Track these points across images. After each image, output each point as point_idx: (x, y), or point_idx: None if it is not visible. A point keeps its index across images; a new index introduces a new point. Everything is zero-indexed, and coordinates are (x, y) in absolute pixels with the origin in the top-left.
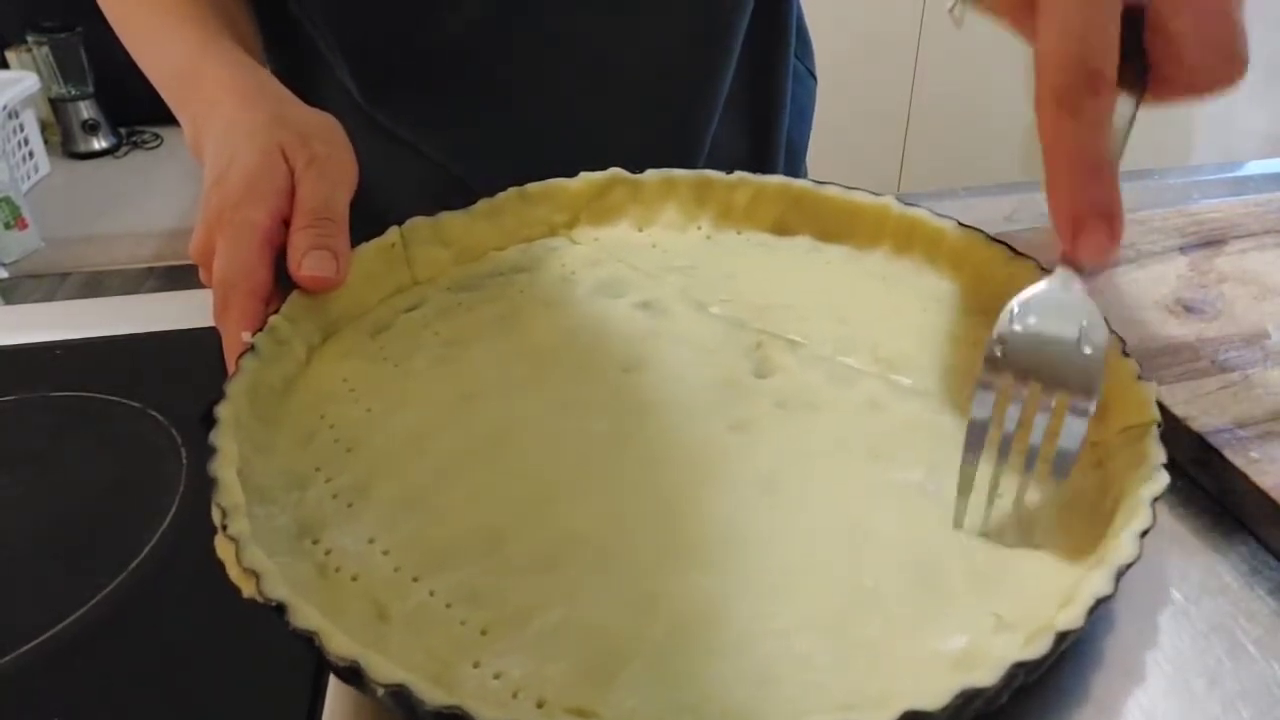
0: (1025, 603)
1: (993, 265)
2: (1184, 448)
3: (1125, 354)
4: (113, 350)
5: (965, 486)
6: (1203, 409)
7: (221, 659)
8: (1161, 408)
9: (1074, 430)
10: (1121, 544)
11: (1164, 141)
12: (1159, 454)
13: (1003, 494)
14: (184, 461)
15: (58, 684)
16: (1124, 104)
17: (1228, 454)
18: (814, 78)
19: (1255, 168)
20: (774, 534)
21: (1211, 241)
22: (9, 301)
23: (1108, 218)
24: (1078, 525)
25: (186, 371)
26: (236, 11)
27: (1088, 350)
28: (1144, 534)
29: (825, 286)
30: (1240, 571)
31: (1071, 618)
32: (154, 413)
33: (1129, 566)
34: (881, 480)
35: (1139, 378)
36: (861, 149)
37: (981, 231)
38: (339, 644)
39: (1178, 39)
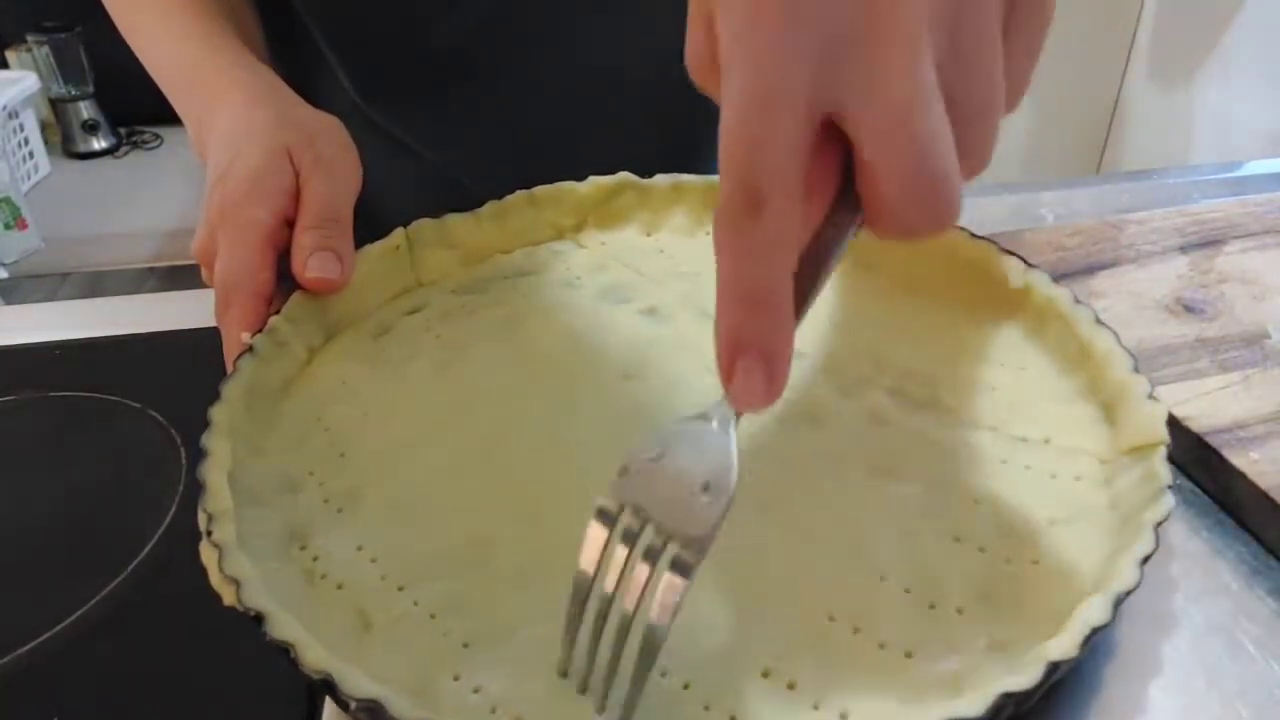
0: (1022, 624)
1: (1006, 276)
2: (1184, 448)
3: (1137, 371)
4: (113, 350)
5: (570, 631)
6: (1203, 409)
7: (222, 659)
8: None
9: (669, 591)
10: (1121, 570)
11: (1164, 141)
12: (1165, 476)
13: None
14: (184, 462)
15: (58, 684)
16: (837, 225)
17: (1228, 454)
18: None
19: (1255, 168)
20: (768, 550)
21: (1211, 241)
22: (9, 301)
23: (765, 359)
24: (1083, 542)
25: (186, 371)
26: (241, 10)
27: (705, 499)
28: (1145, 560)
29: (833, 296)
30: (1240, 571)
31: (1065, 647)
32: (154, 413)
33: (1128, 593)
34: (881, 496)
35: (1150, 397)
36: None
37: (994, 243)
38: (314, 656)
39: (871, 173)
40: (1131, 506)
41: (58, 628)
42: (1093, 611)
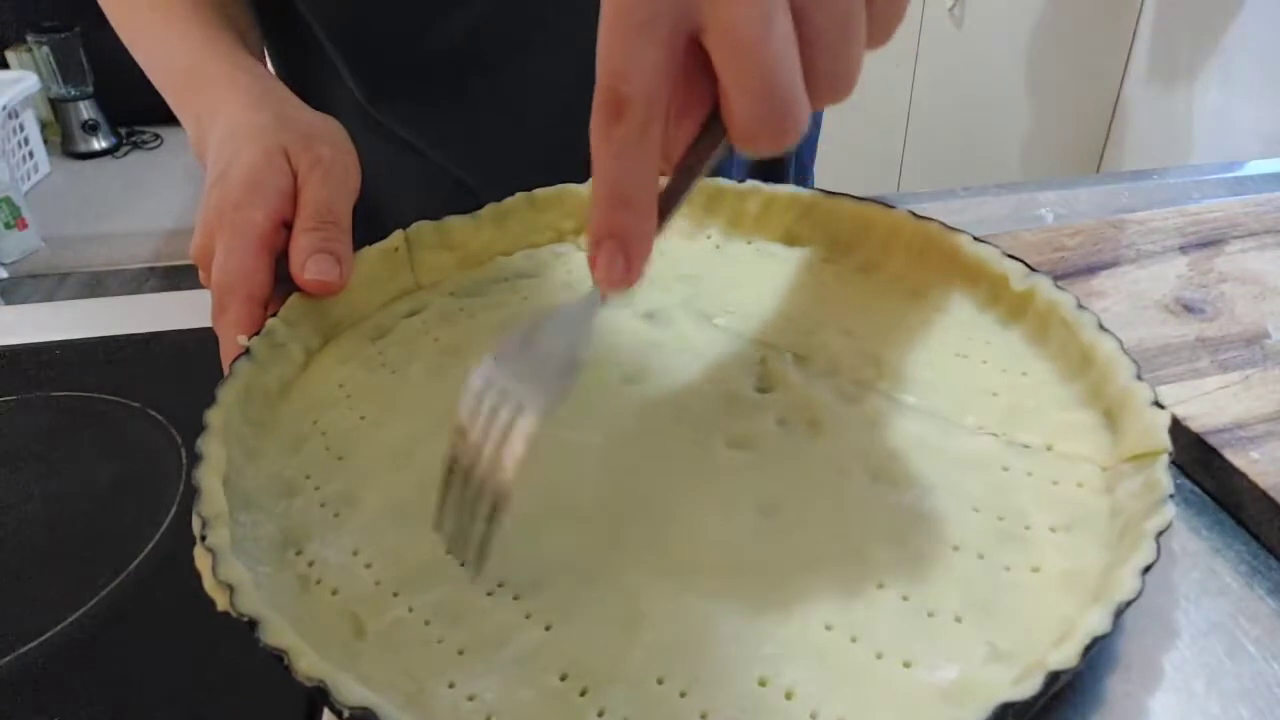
0: (1021, 631)
1: (1008, 281)
2: (1184, 448)
3: (1140, 378)
4: (113, 350)
5: (441, 496)
6: (1203, 409)
7: (222, 659)
8: (1161, 408)
9: (515, 438)
10: (1122, 580)
11: (1164, 141)
12: (1167, 485)
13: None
14: (184, 461)
15: (58, 684)
16: (708, 141)
17: (1228, 454)
18: None
19: (1255, 168)
20: (767, 557)
21: (1211, 241)
22: (9, 301)
23: (624, 248)
24: (1084, 550)
25: (186, 371)
26: (237, 11)
27: (556, 375)
28: (1146, 569)
29: (833, 299)
30: (1240, 571)
31: (1065, 657)
32: (154, 413)
33: (1129, 603)
34: (881, 503)
35: (1153, 404)
36: (861, 149)
37: (996, 246)
38: (307, 664)
39: (724, 89)
40: (1133, 515)
41: (58, 628)
42: (1093, 621)
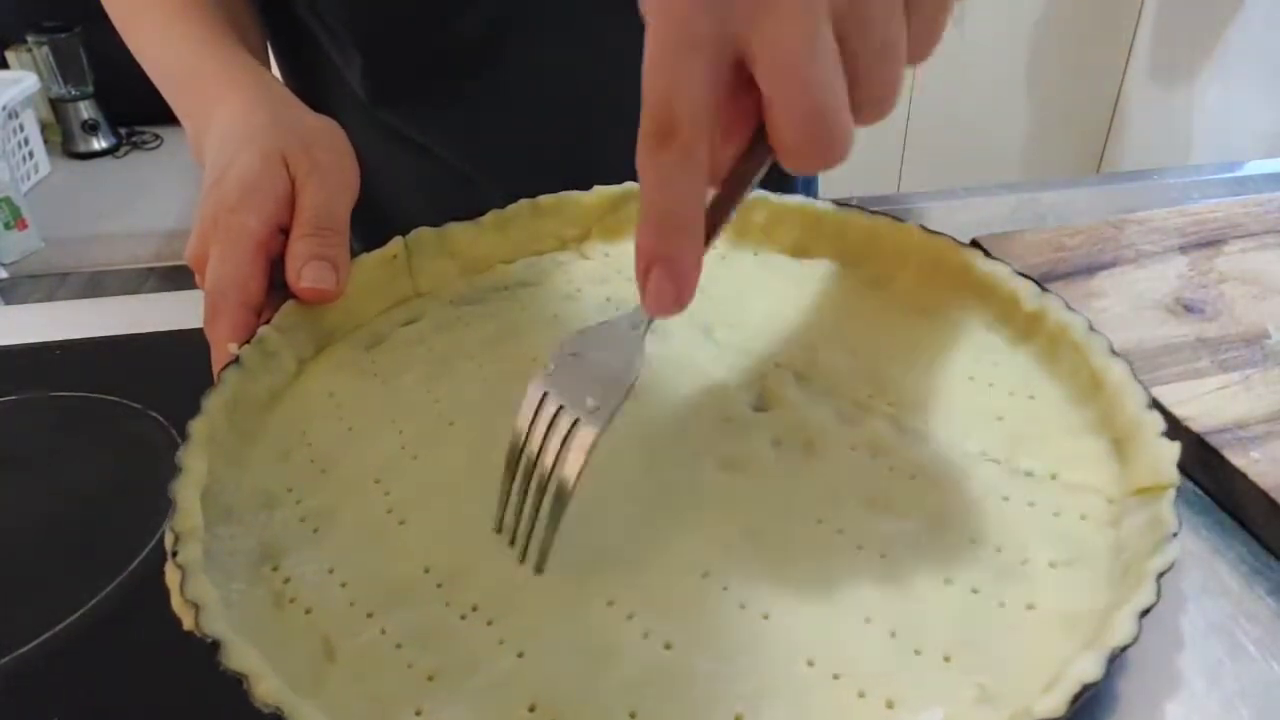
0: (1012, 673)
1: (1018, 300)
2: (1184, 448)
3: (1150, 407)
4: (113, 350)
5: (502, 493)
6: (1203, 409)
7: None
8: (1161, 408)
9: (572, 458)
10: (1118, 624)
11: (1164, 141)
12: (1171, 523)
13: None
14: None
15: (58, 684)
16: (753, 159)
17: (1228, 454)
18: None
19: (1255, 168)
20: (750, 588)
21: (1211, 241)
22: (9, 301)
23: (672, 272)
24: (1083, 587)
25: (186, 371)
26: (240, 11)
27: (610, 390)
28: (1145, 613)
29: (839, 315)
30: (1240, 571)
31: (1053, 705)
32: (154, 413)
33: (1124, 649)
34: (873, 532)
35: (1162, 434)
36: (861, 149)
37: (1007, 264)
38: (265, 689)
39: (769, 109)
40: (1136, 553)
41: (58, 628)
42: (1084, 668)
